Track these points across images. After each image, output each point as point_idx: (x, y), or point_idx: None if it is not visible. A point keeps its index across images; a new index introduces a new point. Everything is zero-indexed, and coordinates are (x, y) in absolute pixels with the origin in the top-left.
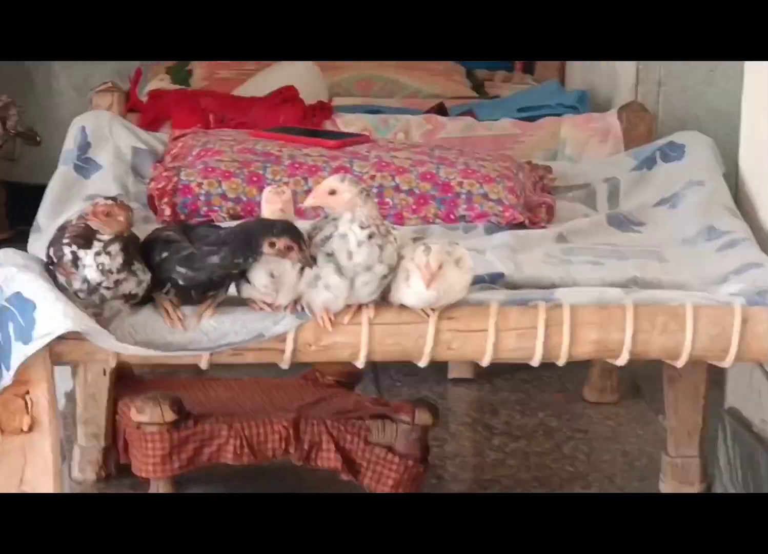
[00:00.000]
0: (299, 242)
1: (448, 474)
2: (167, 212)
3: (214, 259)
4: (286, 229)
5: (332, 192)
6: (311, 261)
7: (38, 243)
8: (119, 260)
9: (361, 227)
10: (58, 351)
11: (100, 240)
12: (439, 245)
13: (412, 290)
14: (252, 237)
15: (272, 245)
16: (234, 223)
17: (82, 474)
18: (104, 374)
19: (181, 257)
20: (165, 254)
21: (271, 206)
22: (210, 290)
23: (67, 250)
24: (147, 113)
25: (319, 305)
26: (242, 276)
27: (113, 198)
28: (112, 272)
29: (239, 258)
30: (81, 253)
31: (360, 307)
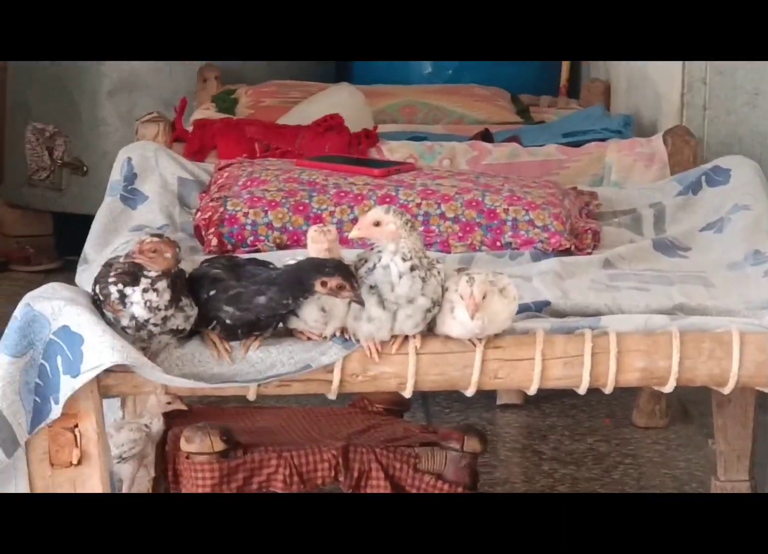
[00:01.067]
0: (351, 280)
1: None
2: (214, 242)
3: (261, 299)
4: (338, 268)
5: (377, 223)
6: (362, 299)
7: (86, 274)
8: (167, 296)
9: (404, 259)
10: (106, 384)
11: (147, 277)
12: (482, 275)
13: (457, 322)
14: (303, 277)
15: (324, 284)
16: (281, 252)
17: None
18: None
19: (228, 297)
20: (212, 292)
21: (317, 245)
22: (256, 329)
23: (113, 288)
24: (192, 143)
25: (363, 337)
26: (290, 313)
27: (159, 235)
28: (159, 309)
29: (287, 299)
30: (128, 290)
31: (406, 337)
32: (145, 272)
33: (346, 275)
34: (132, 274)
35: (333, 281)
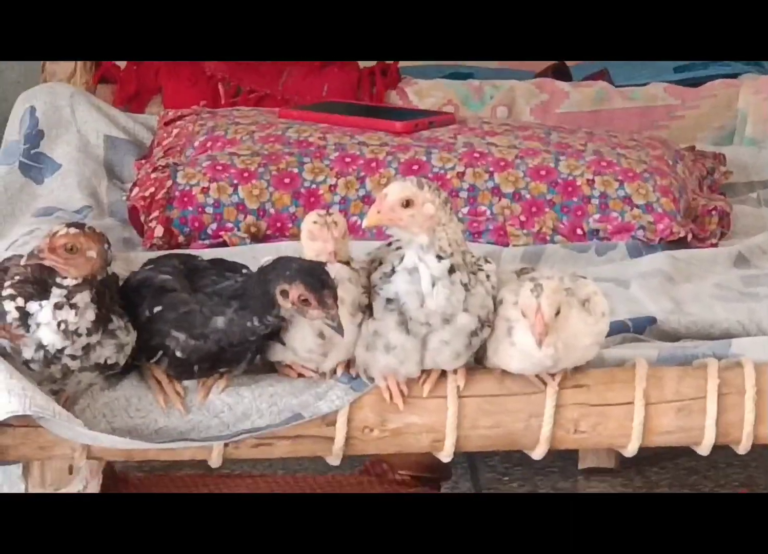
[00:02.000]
0: (320, 292)
1: None
2: (159, 231)
3: (219, 322)
4: (300, 272)
5: (406, 203)
6: (339, 323)
7: None
8: (90, 315)
9: (439, 258)
10: (1, 445)
11: (60, 286)
12: (555, 281)
13: (517, 349)
14: (266, 287)
15: (285, 294)
16: (257, 247)
17: None
18: (69, 472)
19: (178, 316)
20: (157, 309)
21: (317, 244)
22: (221, 364)
23: (9, 304)
24: (126, 85)
25: (379, 373)
26: (271, 338)
27: (79, 224)
28: (79, 334)
29: (252, 320)
30: (32, 306)
31: (444, 373)
32: (58, 280)
33: (313, 284)
34: (39, 283)
35: (293, 291)
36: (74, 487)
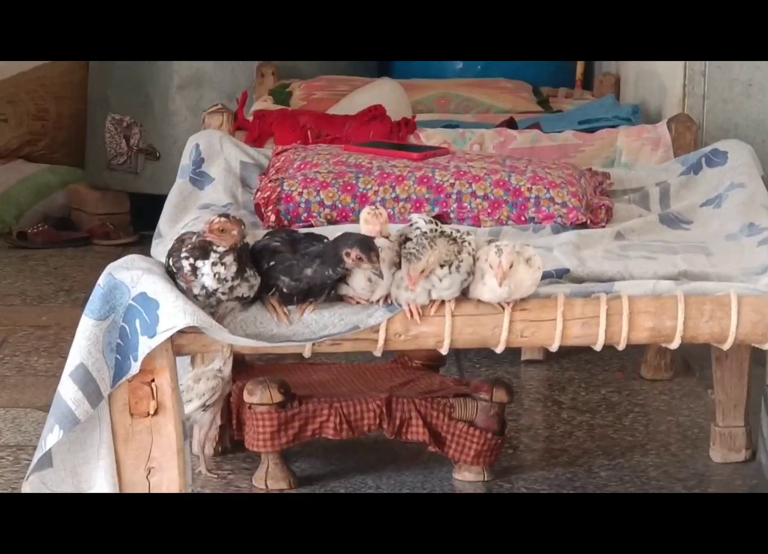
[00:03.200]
0: (369, 254)
1: (523, 444)
2: (272, 218)
3: (308, 271)
4: (358, 241)
5: (424, 271)
6: (380, 272)
7: (160, 247)
8: (233, 269)
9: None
10: (179, 344)
11: (216, 252)
12: (510, 247)
13: (487, 288)
14: (336, 250)
15: (348, 254)
16: (331, 227)
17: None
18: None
19: (284, 268)
20: (272, 263)
21: (370, 226)
22: (310, 296)
23: (185, 262)
24: (253, 131)
25: (404, 302)
26: (340, 281)
27: (226, 215)
28: (227, 280)
29: (328, 270)
30: (199, 263)
31: (443, 302)
32: (215, 248)
33: (365, 249)
34: (203, 249)
35: (353, 253)
36: (216, 364)
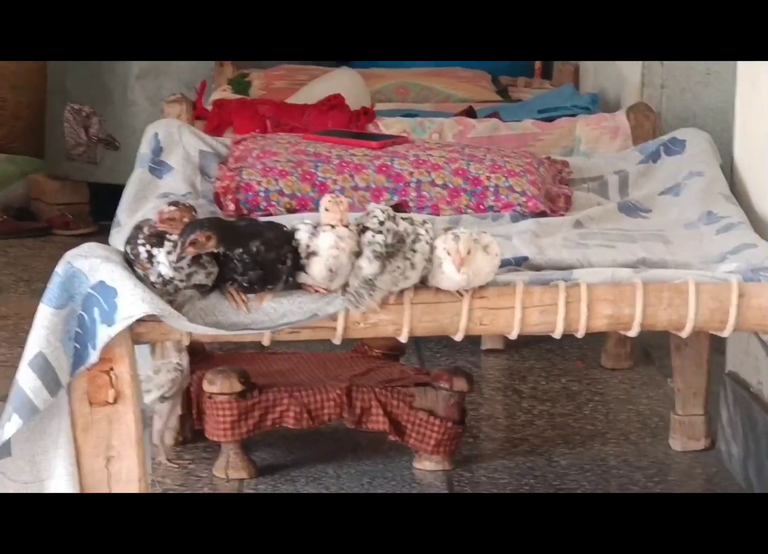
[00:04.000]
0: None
1: (483, 433)
2: (231, 207)
3: (254, 247)
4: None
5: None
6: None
7: (118, 236)
8: (189, 256)
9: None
10: (138, 332)
11: (170, 240)
12: (467, 234)
13: (445, 276)
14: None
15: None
16: (290, 216)
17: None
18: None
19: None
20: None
21: (330, 214)
22: (267, 284)
23: (142, 249)
24: (212, 121)
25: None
26: (298, 269)
27: (176, 203)
28: (182, 268)
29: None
30: (155, 251)
31: (402, 289)
32: (168, 236)
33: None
34: (158, 237)
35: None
36: (175, 358)
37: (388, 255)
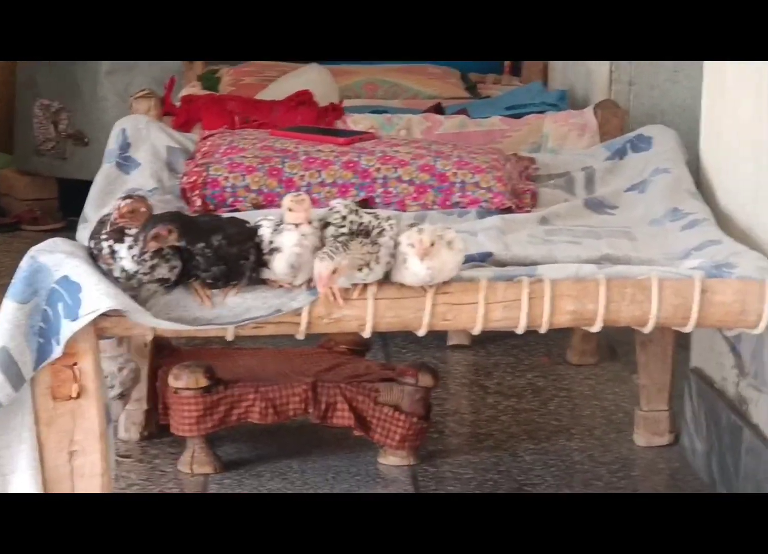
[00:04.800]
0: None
1: (448, 429)
2: (198, 202)
3: (215, 241)
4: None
5: (334, 271)
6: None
7: (85, 232)
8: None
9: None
10: (101, 327)
11: (129, 235)
12: (431, 227)
13: (409, 271)
14: (251, 233)
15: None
16: (257, 212)
17: (127, 434)
18: (145, 346)
19: (202, 248)
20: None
21: (294, 214)
22: (230, 279)
23: (105, 244)
24: (180, 116)
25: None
26: (261, 265)
27: (129, 196)
28: (145, 260)
29: (235, 248)
30: (116, 246)
31: (366, 285)
32: (127, 231)
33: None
34: (119, 232)
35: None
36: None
37: (351, 234)
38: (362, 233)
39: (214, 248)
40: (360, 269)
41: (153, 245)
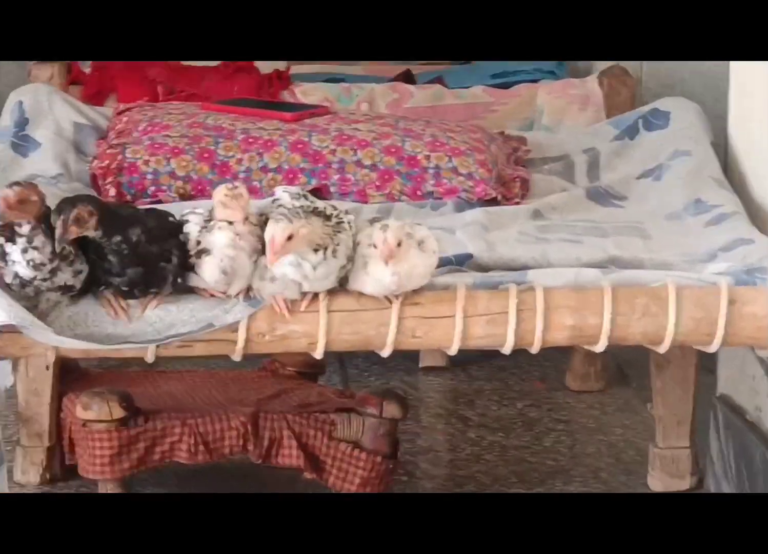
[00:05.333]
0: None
1: (420, 470)
2: (112, 191)
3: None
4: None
5: (290, 237)
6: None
7: None
8: (48, 248)
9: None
10: None
11: (21, 235)
12: (398, 224)
13: (370, 277)
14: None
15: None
16: (185, 203)
17: (25, 477)
18: (47, 368)
19: (112, 246)
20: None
21: (228, 211)
22: (151, 286)
23: None
24: (90, 86)
25: (267, 295)
26: (187, 269)
27: (17, 182)
28: (44, 264)
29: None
30: (8, 247)
31: (317, 294)
32: (17, 230)
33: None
34: (10, 230)
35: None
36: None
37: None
38: (320, 215)
39: (132, 243)
40: (316, 251)
41: (75, 231)
